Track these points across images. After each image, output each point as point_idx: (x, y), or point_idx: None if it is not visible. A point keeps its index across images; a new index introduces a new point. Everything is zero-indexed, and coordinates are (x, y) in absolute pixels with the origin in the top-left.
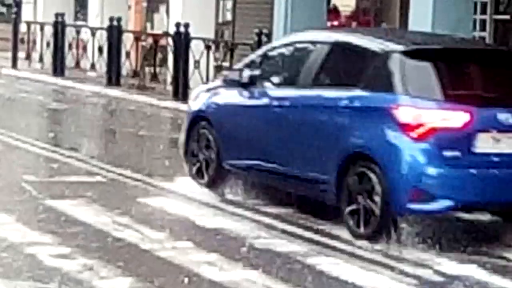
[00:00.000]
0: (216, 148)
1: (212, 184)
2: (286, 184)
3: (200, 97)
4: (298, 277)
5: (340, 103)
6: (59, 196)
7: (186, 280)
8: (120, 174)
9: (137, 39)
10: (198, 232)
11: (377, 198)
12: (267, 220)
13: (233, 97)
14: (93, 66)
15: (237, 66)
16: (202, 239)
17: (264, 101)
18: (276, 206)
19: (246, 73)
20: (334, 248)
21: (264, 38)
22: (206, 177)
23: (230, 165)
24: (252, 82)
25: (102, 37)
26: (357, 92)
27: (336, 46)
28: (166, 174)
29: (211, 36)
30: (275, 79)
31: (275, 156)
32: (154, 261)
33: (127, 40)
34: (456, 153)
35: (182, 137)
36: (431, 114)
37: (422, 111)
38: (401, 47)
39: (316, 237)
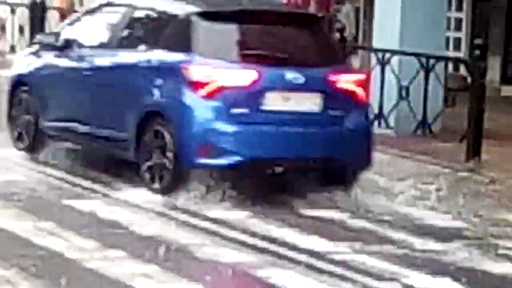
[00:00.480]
0: (35, 112)
1: (31, 149)
2: (96, 144)
3: (21, 61)
4: None
5: (140, 63)
6: None
7: None
8: (44, 173)
9: (63, 17)
10: (132, 240)
11: (169, 154)
12: (212, 226)
13: (49, 60)
14: (13, 48)
15: (55, 29)
16: (137, 248)
17: (77, 63)
18: (225, 211)
19: (62, 36)
20: (289, 259)
21: None
22: (26, 142)
23: (48, 129)
24: (68, 45)
25: (23, 15)
26: (155, 53)
27: (140, 9)
28: (97, 173)
29: None
30: (87, 42)
31: (87, 118)
32: (81, 273)
33: (52, 18)
34: (245, 111)
35: (4, 102)
36: (219, 73)
37: (211, 70)
38: (196, 9)
39: (267, 245)
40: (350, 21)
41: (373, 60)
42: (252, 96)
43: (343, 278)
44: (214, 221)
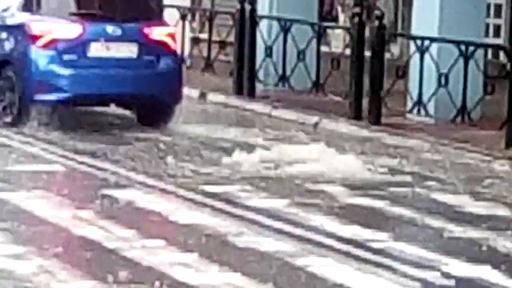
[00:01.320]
0: None
1: None
2: None
3: None
4: (286, 280)
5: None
6: (12, 187)
7: (157, 283)
8: (82, 163)
9: None
10: (171, 228)
11: (17, 93)
12: (250, 214)
13: None
14: None
15: None
16: (176, 237)
17: None
18: (263, 199)
19: None
20: (327, 247)
21: (247, 6)
22: None
23: None
24: None
25: None
26: (9, 13)
27: None
28: (135, 163)
29: (187, 4)
30: None
31: None
32: (120, 262)
33: None
34: (73, 57)
35: None
36: (53, 27)
37: (46, 25)
38: None
39: (305, 233)
40: (389, 8)
41: (412, 47)
42: (79, 45)
43: (381, 266)
44: (253, 209)
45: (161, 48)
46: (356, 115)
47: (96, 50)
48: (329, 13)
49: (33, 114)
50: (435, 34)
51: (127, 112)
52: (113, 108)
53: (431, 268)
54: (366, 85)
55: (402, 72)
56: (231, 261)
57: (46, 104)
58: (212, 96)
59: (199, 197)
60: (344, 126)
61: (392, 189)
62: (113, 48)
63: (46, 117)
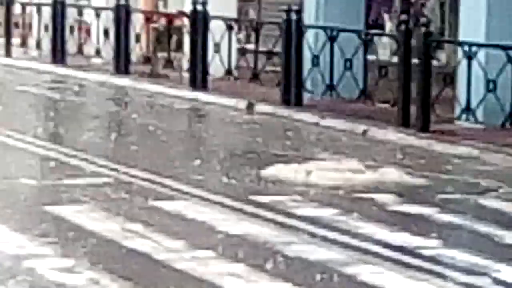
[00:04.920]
0: None
1: None
2: None
3: None
4: None
5: None
6: (61, 201)
7: None
8: (130, 175)
9: (148, 19)
10: (220, 239)
11: None
12: (299, 224)
13: None
14: (98, 52)
15: None
16: (225, 247)
17: None
18: (313, 208)
19: None
20: (376, 255)
21: (293, 16)
22: None
23: None
24: None
25: (108, 18)
26: None
27: None
28: (183, 173)
29: (233, 14)
30: None
31: None
32: (170, 274)
33: (137, 21)
34: None
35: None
36: None
37: None
38: None
39: (355, 242)
40: (435, 15)
41: (460, 53)
42: None
43: (432, 273)
44: (302, 218)
45: None
46: (404, 123)
47: None
48: (375, 21)
49: None
50: (482, 40)
51: None
52: None
53: (482, 274)
54: (414, 93)
55: (450, 79)
56: (281, 271)
57: None
58: (259, 107)
59: (248, 207)
60: (392, 134)
61: (440, 196)
62: None
63: None
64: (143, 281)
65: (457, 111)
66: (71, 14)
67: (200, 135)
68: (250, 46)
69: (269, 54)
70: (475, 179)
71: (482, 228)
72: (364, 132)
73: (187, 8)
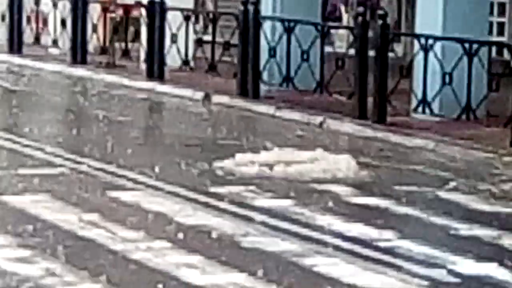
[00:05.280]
0: None
1: None
2: None
3: None
4: (292, 280)
5: None
6: (17, 191)
7: (163, 285)
8: (86, 165)
9: (105, 10)
10: (176, 230)
11: None
12: (255, 215)
13: None
14: (55, 42)
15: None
16: (182, 238)
17: None
18: (269, 199)
19: None
20: (333, 247)
21: (250, 7)
22: None
23: None
24: None
25: (65, 8)
26: None
27: None
28: (140, 164)
29: (190, 5)
30: None
31: None
32: (126, 264)
33: (94, 11)
34: None
35: None
36: None
37: None
38: None
39: (311, 233)
40: (393, 7)
41: (416, 46)
42: None
43: (388, 264)
44: (258, 209)
45: None
46: (360, 115)
47: None
48: (332, 13)
49: None
50: (439, 33)
51: None
52: None
53: (438, 266)
54: (371, 85)
55: (406, 71)
56: (237, 262)
57: None
58: (216, 98)
59: (204, 198)
60: (349, 126)
61: (397, 187)
62: None
63: None
64: (99, 272)
65: (414, 103)
66: (28, 3)
67: (156, 125)
68: (207, 37)
69: (226, 45)
70: (431, 171)
71: (438, 220)
72: (321, 123)
73: None
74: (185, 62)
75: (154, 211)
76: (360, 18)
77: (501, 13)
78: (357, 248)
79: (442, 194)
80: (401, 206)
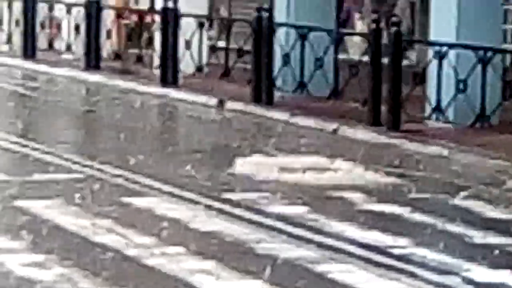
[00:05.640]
0: None
1: None
2: None
3: None
4: (306, 286)
5: None
6: (32, 196)
7: None
8: (101, 171)
9: (119, 16)
10: (191, 236)
11: None
12: (270, 221)
13: None
14: (69, 48)
15: None
16: (196, 244)
17: None
18: (283, 206)
19: None
20: (347, 254)
21: (264, 14)
22: None
23: None
24: None
25: (79, 14)
26: None
27: None
28: (154, 170)
29: (204, 12)
30: None
31: None
32: (140, 270)
33: (108, 17)
34: None
35: None
36: None
37: None
38: None
39: (325, 240)
40: (406, 14)
41: (430, 53)
42: None
43: (403, 272)
44: (272, 216)
45: None
46: (374, 122)
47: None
48: (346, 20)
49: None
50: (453, 40)
51: None
52: None
53: (452, 273)
54: (384, 92)
55: (420, 79)
56: (252, 268)
57: None
58: (230, 104)
59: (218, 204)
60: (363, 133)
61: (412, 195)
62: None
63: None
64: (113, 277)
65: (428, 110)
66: (41, 9)
67: (170, 132)
68: (221, 44)
69: (240, 51)
70: (446, 178)
71: (453, 227)
72: (335, 130)
73: (158, 5)
74: (199, 68)
75: (168, 217)
76: (374, 25)
77: None
78: (372, 255)
79: (457, 201)
80: (415, 214)
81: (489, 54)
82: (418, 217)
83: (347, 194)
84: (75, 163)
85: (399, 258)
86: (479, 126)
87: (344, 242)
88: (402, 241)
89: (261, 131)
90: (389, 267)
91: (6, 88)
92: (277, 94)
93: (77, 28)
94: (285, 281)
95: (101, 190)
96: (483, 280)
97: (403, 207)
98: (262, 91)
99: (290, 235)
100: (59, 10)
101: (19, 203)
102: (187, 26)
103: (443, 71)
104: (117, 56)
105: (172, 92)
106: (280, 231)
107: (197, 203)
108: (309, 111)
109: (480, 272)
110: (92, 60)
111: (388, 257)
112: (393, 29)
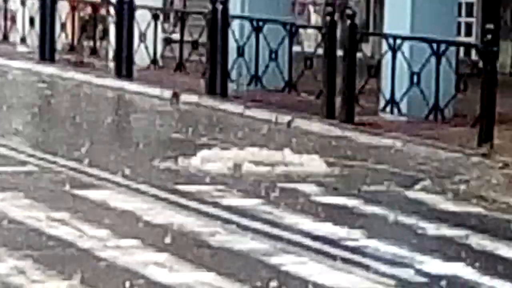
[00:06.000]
0: None
1: None
2: None
3: None
4: (259, 279)
5: None
6: None
7: (130, 283)
8: (55, 163)
9: (73, 8)
10: (145, 228)
11: None
12: (224, 214)
13: None
14: (23, 40)
15: None
16: (150, 237)
17: None
18: (238, 198)
19: None
20: (301, 246)
21: (219, 6)
22: None
23: None
24: None
25: (33, 6)
26: None
27: None
28: (108, 162)
29: (159, 4)
30: None
31: None
32: (94, 262)
33: (62, 9)
34: None
35: None
36: None
37: None
38: None
39: (279, 232)
40: (361, 7)
41: (384, 46)
42: None
43: (356, 264)
44: (226, 208)
45: None
46: (329, 114)
47: None
48: (301, 13)
49: None
50: (407, 33)
51: None
52: None
53: (406, 265)
54: (339, 84)
55: (374, 71)
56: (205, 261)
57: None
58: (184, 96)
59: (172, 197)
60: (317, 125)
61: (364, 187)
62: None
63: None
64: (67, 270)
65: (382, 103)
66: None
67: (125, 124)
68: (176, 36)
69: (195, 44)
70: (399, 171)
71: (406, 220)
72: (289, 123)
73: None
74: (153, 61)
75: (121, 210)
76: (328, 18)
77: (469, 13)
78: (325, 248)
79: (410, 193)
80: (369, 206)
81: (443, 46)
82: (371, 209)
83: (301, 187)
84: (27, 154)
85: (352, 250)
86: (432, 119)
87: (298, 234)
88: (356, 233)
89: (215, 123)
90: (343, 260)
91: None
92: (231, 87)
93: (31, 20)
94: (239, 274)
95: (56, 183)
96: (436, 272)
97: (356, 199)
98: (217, 83)
99: (244, 227)
100: (14, 2)
101: None
102: (141, 18)
103: (397, 64)
104: (71, 48)
105: (126, 85)
106: (234, 223)
107: (151, 195)
108: (263, 103)
109: (433, 264)
110: (47, 52)
111: (342, 249)
112: (348, 21)
